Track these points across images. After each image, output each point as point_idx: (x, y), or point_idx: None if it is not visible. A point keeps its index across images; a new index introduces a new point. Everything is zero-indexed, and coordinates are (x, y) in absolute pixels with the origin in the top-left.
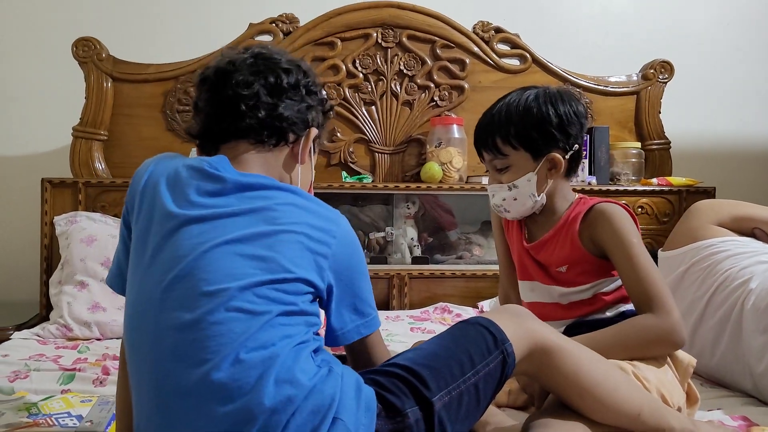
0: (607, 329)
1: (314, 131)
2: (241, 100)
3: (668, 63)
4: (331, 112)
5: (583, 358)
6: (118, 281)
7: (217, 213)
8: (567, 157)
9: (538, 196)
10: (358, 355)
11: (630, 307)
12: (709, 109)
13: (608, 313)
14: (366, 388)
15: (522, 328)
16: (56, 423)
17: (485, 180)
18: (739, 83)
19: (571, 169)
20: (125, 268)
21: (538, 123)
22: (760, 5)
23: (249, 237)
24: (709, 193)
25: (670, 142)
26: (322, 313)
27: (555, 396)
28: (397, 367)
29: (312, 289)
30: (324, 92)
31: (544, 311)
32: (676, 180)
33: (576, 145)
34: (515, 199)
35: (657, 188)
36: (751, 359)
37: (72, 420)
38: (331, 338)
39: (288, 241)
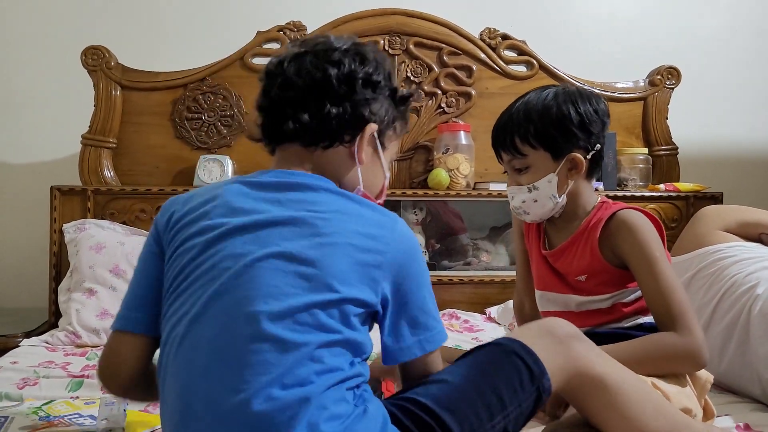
0: (630, 343)
1: (372, 127)
2: (285, 103)
3: (675, 69)
4: (409, 101)
5: (626, 388)
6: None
7: (259, 221)
8: (588, 157)
9: (559, 197)
10: (413, 372)
11: (648, 318)
12: (716, 115)
13: (625, 324)
14: (391, 429)
15: (563, 356)
16: (73, 423)
17: (493, 186)
18: (746, 89)
19: (593, 170)
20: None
21: (558, 121)
22: (767, 12)
23: (292, 251)
24: (716, 198)
25: (677, 148)
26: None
27: (584, 417)
28: (419, 406)
29: (363, 309)
30: (395, 79)
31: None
32: (684, 186)
33: (598, 145)
34: (535, 201)
35: (664, 194)
36: (759, 365)
37: (86, 419)
38: (387, 356)
39: (334, 254)
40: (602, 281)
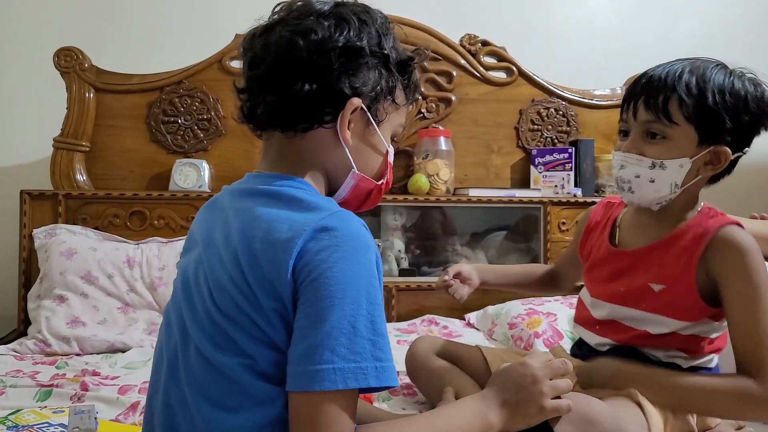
0: (697, 379)
1: (354, 102)
2: (253, 83)
3: None
4: (410, 64)
5: None
6: None
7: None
8: (733, 157)
9: (680, 188)
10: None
11: (689, 362)
12: None
13: (660, 355)
14: None
15: None
16: None
17: (472, 192)
18: None
19: (723, 174)
20: None
21: (736, 105)
22: (742, 21)
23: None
24: None
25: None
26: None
27: None
28: None
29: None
30: (388, 41)
31: (605, 328)
32: None
33: (747, 149)
34: (651, 181)
35: None
36: None
37: (55, 429)
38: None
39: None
40: (679, 302)
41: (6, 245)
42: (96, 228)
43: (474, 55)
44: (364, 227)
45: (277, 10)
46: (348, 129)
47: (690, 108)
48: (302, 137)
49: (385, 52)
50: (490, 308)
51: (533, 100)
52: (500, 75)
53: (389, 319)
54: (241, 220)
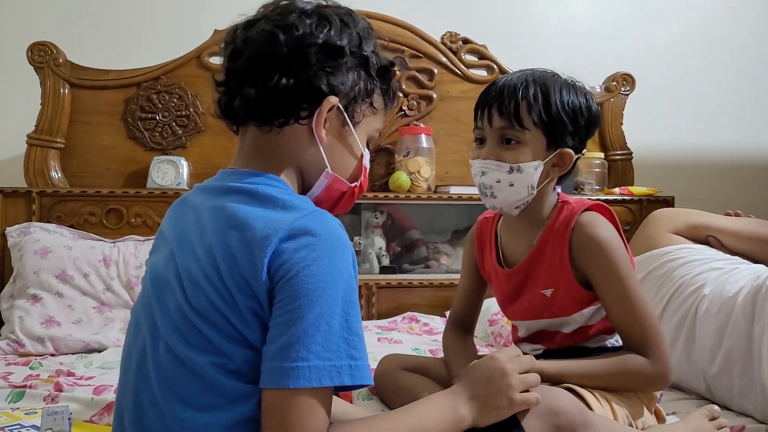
0: (603, 362)
1: (331, 101)
2: (232, 75)
3: (630, 76)
4: (390, 71)
5: None
6: None
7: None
8: (576, 157)
9: (536, 190)
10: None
11: (612, 340)
12: (669, 122)
13: (590, 345)
14: None
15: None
16: None
17: (453, 189)
18: (698, 97)
19: (566, 174)
20: None
21: (573, 110)
22: (720, 23)
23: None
24: (668, 202)
25: (632, 153)
26: None
27: None
28: None
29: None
30: (369, 45)
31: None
32: (637, 189)
33: (584, 150)
34: (511, 185)
35: (619, 197)
36: (703, 363)
37: (28, 430)
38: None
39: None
40: (569, 298)
41: None
42: (71, 226)
43: (455, 53)
44: (341, 227)
45: (261, 9)
46: (324, 127)
47: (537, 114)
48: (277, 132)
49: (365, 54)
50: None
51: None
52: (481, 73)
53: (370, 317)
54: (215, 218)
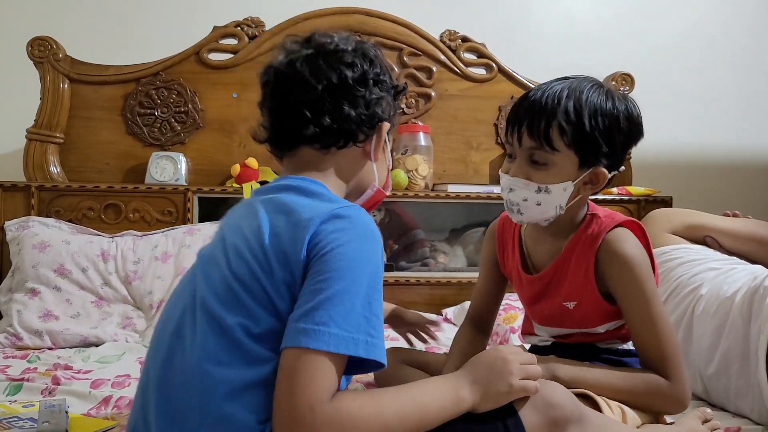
0: (619, 377)
1: (386, 125)
2: (303, 106)
3: (629, 75)
4: (403, 93)
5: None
6: None
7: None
8: (611, 175)
9: (564, 209)
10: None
11: (624, 346)
12: (668, 122)
13: (601, 345)
14: None
15: (546, 416)
16: (12, 426)
17: (451, 188)
18: (697, 97)
19: (603, 188)
20: None
21: (607, 130)
22: (718, 22)
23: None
24: (666, 202)
25: (630, 153)
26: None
27: None
28: None
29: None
30: (394, 78)
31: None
32: (636, 189)
33: (623, 167)
34: (538, 205)
35: (617, 197)
36: (700, 363)
37: (26, 422)
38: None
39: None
40: (592, 312)
41: None
42: (70, 221)
43: (454, 51)
44: (374, 224)
45: (300, 43)
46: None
47: (569, 135)
48: (335, 153)
49: (396, 84)
50: (467, 303)
51: (512, 97)
52: (480, 71)
53: None
54: (266, 207)
